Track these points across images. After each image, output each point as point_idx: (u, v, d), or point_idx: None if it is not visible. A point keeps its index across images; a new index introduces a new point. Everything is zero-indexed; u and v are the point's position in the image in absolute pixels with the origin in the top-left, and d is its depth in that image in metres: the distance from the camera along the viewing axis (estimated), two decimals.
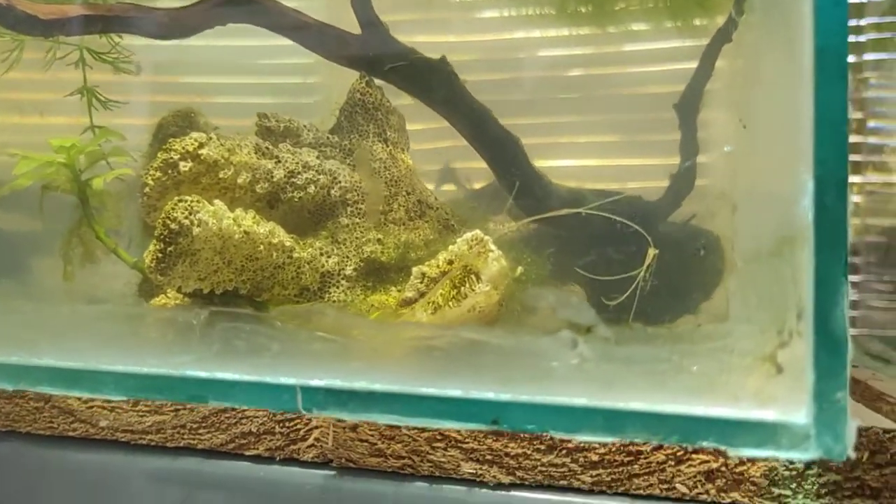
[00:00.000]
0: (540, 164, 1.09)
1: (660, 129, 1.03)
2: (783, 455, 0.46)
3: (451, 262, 0.68)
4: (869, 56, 1.49)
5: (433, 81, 0.84)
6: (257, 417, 0.65)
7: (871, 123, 1.48)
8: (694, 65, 0.93)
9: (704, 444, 0.47)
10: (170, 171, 0.73)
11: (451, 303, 0.66)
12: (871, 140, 1.46)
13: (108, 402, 0.69)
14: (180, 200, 0.68)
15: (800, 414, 0.46)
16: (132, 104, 0.86)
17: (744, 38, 0.64)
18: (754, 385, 0.47)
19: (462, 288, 0.66)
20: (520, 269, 0.69)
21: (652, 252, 0.73)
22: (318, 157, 0.78)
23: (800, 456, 0.46)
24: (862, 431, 0.55)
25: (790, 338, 0.47)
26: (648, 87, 1.11)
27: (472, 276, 0.66)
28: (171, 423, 0.68)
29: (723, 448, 0.47)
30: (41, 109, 0.89)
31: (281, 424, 0.65)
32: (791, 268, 0.46)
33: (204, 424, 0.67)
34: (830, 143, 0.46)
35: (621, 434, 0.49)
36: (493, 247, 0.66)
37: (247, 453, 0.65)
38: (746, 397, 0.47)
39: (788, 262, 0.46)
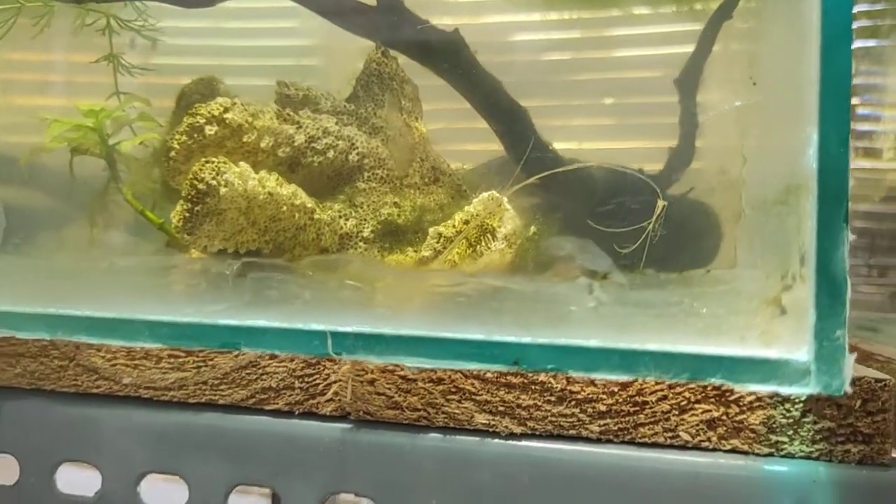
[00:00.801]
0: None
1: (657, 112, 1.06)
2: (785, 390, 0.50)
3: (466, 222, 0.71)
4: (859, 44, 1.53)
5: (447, 53, 0.87)
6: (277, 373, 0.68)
7: (861, 111, 1.52)
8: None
9: (713, 380, 0.51)
10: (195, 135, 0.75)
11: (466, 261, 0.69)
12: (861, 127, 1.50)
13: (132, 359, 0.71)
14: (207, 161, 0.71)
15: (801, 352, 0.50)
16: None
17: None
18: (760, 325, 0.51)
19: (478, 246, 0.69)
20: (532, 229, 0.73)
21: (661, 203, 0.76)
22: (336, 124, 0.81)
23: (801, 390, 0.50)
24: (855, 381, 0.58)
25: (793, 281, 0.50)
26: (644, 70, 1.13)
27: (488, 235, 0.69)
28: (192, 379, 0.70)
29: (729, 384, 0.51)
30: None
31: (300, 380, 0.67)
32: (795, 215, 0.50)
33: (225, 381, 0.69)
34: (834, 97, 0.49)
35: (635, 372, 0.52)
36: (508, 206, 0.69)
37: (267, 408, 0.68)
38: (752, 337, 0.51)
39: (793, 209, 0.50)
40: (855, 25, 1.39)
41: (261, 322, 0.59)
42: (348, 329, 0.57)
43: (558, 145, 1.12)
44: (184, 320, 0.61)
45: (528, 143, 0.93)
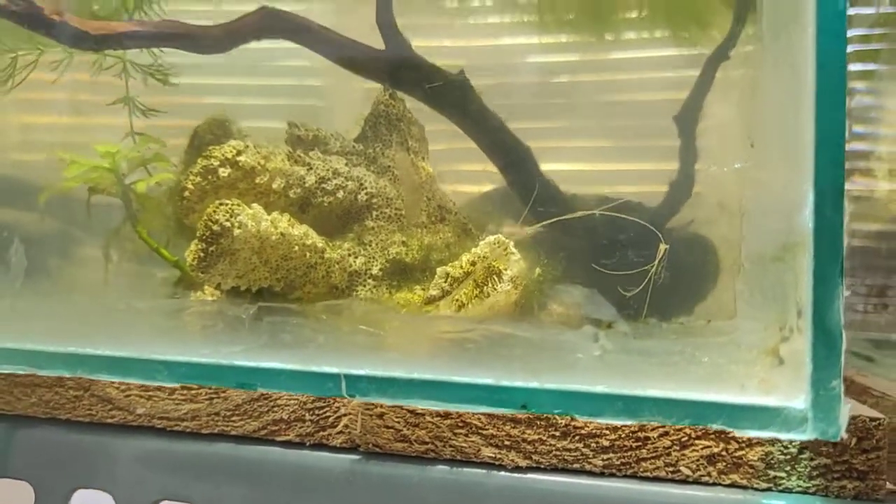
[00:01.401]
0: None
1: (654, 135, 1.08)
2: (784, 436, 0.52)
3: (473, 263, 0.73)
4: (855, 67, 1.56)
5: (452, 93, 0.89)
6: (288, 406, 0.69)
7: (857, 129, 1.55)
8: (689, 73, 0.99)
9: (714, 426, 0.53)
10: (209, 177, 0.78)
11: (473, 301, 0.71)
12: (858, 146, 1.53)
13: (146, 390, 0.72)
14: (221, 204, 0.73)
15: (798, 400, 0.52)
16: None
17: (748, 56, 0.69)
18: (759, 374, 0.53)
19: (485, 287, 0.71)
20: (538, 271, 0.75)
21: (663, 247, 0.78)
22: (346, 165, 0.83)
23: (798, 437, 0.52)
24: (850, 419, 0.60)
25: (791, 333, 0.53)
26: (642, 94, 1.16)
27: (495, 277, 0.71)
28: (205, 410, 0.71)
29: (730, 430, 0.53)
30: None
31: (311, 412, 0.69)
32: (792, 271, 0.52)
33: (237, 412, 0.71)
34: (829, 157, 0.51)
35: (639, 417, 0.54)
36: (514, 249, 0.72)
37: (278, 439, 0.69)
38: (751, 385, 0.53)
39: (790, 266, 0.52)
40: (850, 49, 1.44)
41: (276, 364, 0.61)
42: (361, 372, 0.59)
43: (558, 166, 1.15)
44: (201, 360, 0.63)
45: (532, 181, 0.95)
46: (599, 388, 0.55)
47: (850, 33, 1.53)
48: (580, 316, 0.68)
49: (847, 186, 0.50)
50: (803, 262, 0.51)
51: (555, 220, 0.81)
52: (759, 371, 0.53)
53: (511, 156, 0.93)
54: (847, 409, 0.50)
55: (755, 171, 0.58)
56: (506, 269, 0.70)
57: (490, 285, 0.71)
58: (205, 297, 0.80)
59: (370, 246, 0.82)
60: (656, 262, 0.74)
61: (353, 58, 0.86)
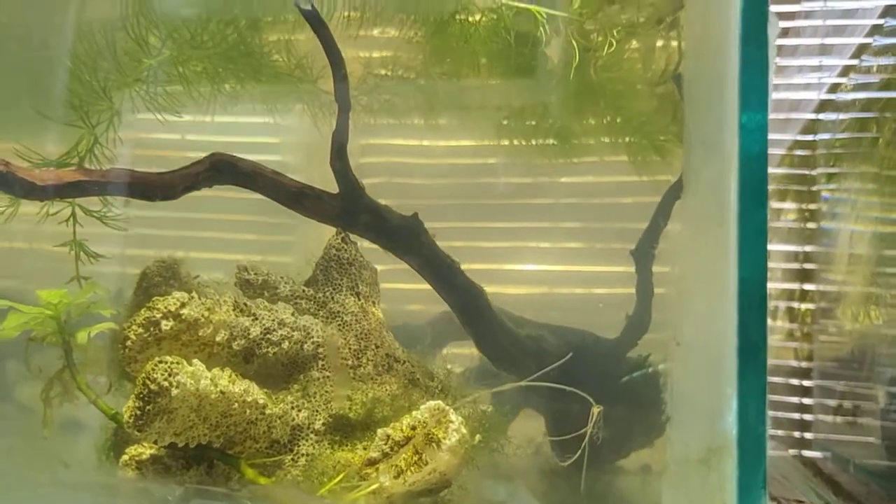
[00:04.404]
0: (508, 267, 1.16)
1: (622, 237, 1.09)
2: None
3: (414, 428, 0.72)
4: (821, 170, 1.59)
5: (405, 236, 0.89)
6: None
7: (826, 224, 1.57)
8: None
9: None
10: (152, 329, 0.77)
11: (412, 467, 0.70)
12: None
13: None
14: (160, 362, 0.72)
15: None
16: None
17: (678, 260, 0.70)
18: None
19: (423, 454, 0.70)
20: (478, 437, 0.74)
21: (596, 410, 0.77)
22: (293, 314, 0.83)
23: None
24: None
25: None
26: (608, 198, 1.18)
27: (433, 444, 0.70)
28: None
29: None
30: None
31: None
32: (717, 475, 0.51)
33: None
34: (752, 364, 0.51)
35: None
36: (453, 417, 0.71)
37: None
38: None
39: (715, 469, 0.51)
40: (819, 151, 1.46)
41: None
42: None
43: (522, 266, 1.16)
44: None
45: (485, 321, 0.95)
46: None
47: (817, 137, 1.57)
48: None
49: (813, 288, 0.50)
50: (727, 467, 0.51)
51: (509, 386, 0.81)
52: None
53: (465, 298, 0.93)
54: None
55: (681, 369, 0.58)
56: (444, 439, 0.69)
57: (429, 452, 0.70)
58: (142, 450, 0.78)
59: (314, 398, 0.81)
60: (590, 425, 0.73)
61: (304, 202, 0.86)
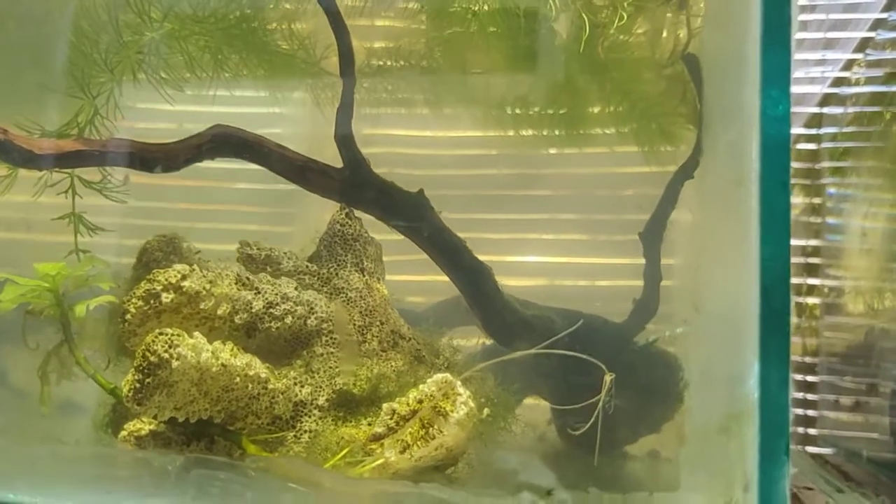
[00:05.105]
0: (511, 259, 1.14)
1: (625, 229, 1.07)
2: None
3: (420, 402, 0.70)
4: (826, 164, 1.57)
5: (410, 212, 0.88)
6: None
7: (831, 219, 1.55)
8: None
9: None
10: (152, 301, 0.75)
11: (419, 442, 0.68)
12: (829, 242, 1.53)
13: None
14: (161, 333, 0.70)
15: None
16: None
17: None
18: None
19: (430, 429, 0.68)
20: (486, 411, 0.72)
21: (608, 378, 0.75)
22: (296, 289, 0.81)
23: None
24: None
25: None
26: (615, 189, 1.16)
27: (441, 418, 0.68)
28: None
29: None
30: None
31: None
32: (738, 442, 0.50)
33: None
34: (776, 331, 0.49)
35: None
36: (461, 390, 0.69)
37: None
38: None
39: (736, 437, 0.49)
40: (824, 145, 1.44)
41: None
42: None
43: (527, 258, 1.15)
44: None
45: (491, 301, 0.93)
46: None
47: (822, 131, 1.56)
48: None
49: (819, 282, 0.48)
50: (749, 434, 0.49)
51: (507, 358, 0.79)
52: None
53: (471, 276, 0.91)
54: None
55: (699, 337, 0.56)
56: (452, 411, 0.68)
57: (436, 426, 0.68)
58: (141, 425, 0.76)
59: (318, 374, 0.79)
60: (602, 393, 0.71)
61: (308, 176, 0.84)
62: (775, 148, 0.53)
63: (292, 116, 1.10)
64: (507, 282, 1.07)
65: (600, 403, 0.70)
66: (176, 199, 0.99)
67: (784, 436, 0.48)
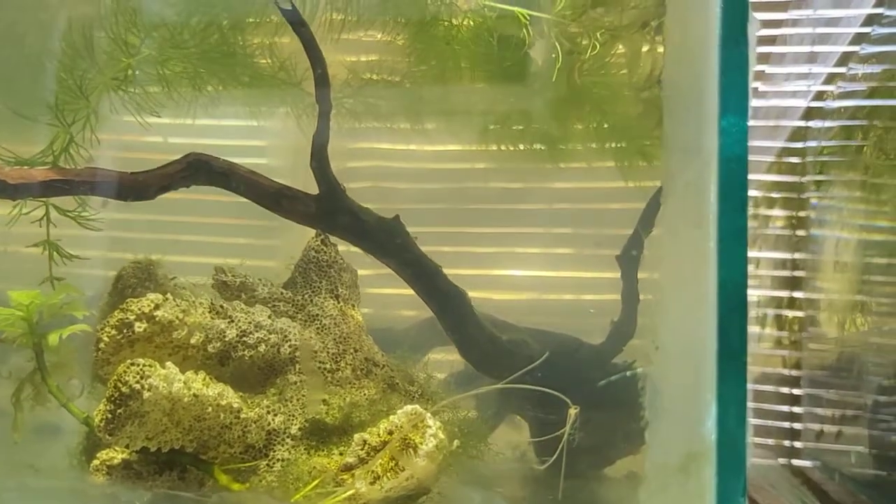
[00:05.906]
0: (496, 273, 1.15)
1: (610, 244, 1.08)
2: None
3: (391, 433, 0.71)
4: (810, 177, 1.58)
5: (384, 238, 0.88)
6: None
7: (815, 231, 1.56)
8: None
9: None
10: (125, 331, 0.75)
11: (388, 473, 0.69)
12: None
13: None
14: (132, 364, 0.70)
15: None
16: None
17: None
18: None
19: (400, 460, 0.68)
20: (456, 443, 0.72)
21: (573, 411, 0.76)
22: (270, 317, 0.81)
23: None
24: None
25: None
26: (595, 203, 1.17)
27: (410, 450, 0.68)
28: None
29: None
30: None
31: None
32: (697, 482, 0.50)
33: None
34: (732, 369, 0.50)
35: None
36: (430, 422, 0.69)
37: None
38: None
39: (694, 477, 0.50)
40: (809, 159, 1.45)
41: None
42: None
43: (511, 272, 1.15)
44: None
45: (466, 326, 0.94)
46: None
47: (808, 144, 1.57)
48: None
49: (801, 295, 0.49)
50: (707, 474, 0.49)
51: (482, 389, 0.79)
52: None
53: (447, 301, 0.91)
54: None
55: (660, 375, 0.57)
56: (422, 444, 0.68)
57: (405, 458, 0.68)
58: (114, 454, 0.77)
59: (291, 402, 0.79)
60: (567, 426, 0.72)
61: (283, 203, 0.85)
62: (733, 164, 0.53)
63: (274, 129, 1.10)
64: (492, 296, 1.08)
65: (565, 437, 0.71)
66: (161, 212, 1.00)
67: (741, 476, 0.48)
